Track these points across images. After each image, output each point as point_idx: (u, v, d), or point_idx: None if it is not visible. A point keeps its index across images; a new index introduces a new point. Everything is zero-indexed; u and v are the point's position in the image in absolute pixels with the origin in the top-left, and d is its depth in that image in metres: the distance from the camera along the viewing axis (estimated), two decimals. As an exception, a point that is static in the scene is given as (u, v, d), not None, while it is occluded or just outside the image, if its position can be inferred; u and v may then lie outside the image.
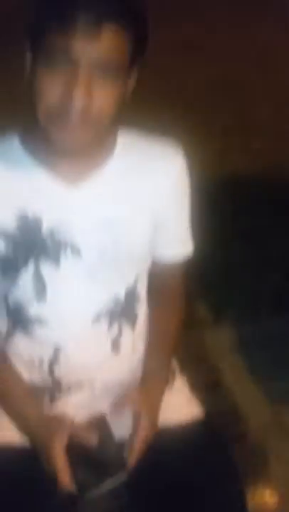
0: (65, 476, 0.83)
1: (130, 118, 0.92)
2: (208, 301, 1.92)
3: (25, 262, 0.86)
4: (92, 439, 0.85)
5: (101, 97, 0.75)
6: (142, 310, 0.98)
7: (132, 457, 0.87)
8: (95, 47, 0.72)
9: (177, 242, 0.98)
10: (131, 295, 0.93)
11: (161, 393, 0.97)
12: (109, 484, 0.83)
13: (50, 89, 0.74)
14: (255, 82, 3.76)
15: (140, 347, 1.00)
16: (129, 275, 0.92)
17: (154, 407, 0.93)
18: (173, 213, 0.94)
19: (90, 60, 0.72)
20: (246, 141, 3.09)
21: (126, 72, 0.78)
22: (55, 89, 0.74)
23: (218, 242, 2.09)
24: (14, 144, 0.86)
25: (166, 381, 0.99)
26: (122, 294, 0.92)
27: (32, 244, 0.85)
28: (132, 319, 0.96)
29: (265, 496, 1.14)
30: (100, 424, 0.90)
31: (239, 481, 0.93)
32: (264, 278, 2.12)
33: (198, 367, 1.23)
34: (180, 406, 1.00)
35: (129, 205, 0.88)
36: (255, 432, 1.23)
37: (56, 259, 0.86)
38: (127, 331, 0.95)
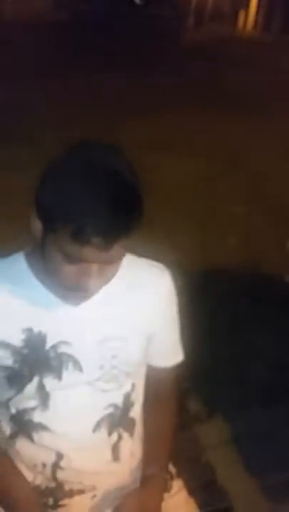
0: None
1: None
2: (200, 396, 1.99)
3: (30, 375, 0.95)
4: None
5: (110, 267, 0.88)
6: (139, 416, 1.06)
7: None
8: (105, 255, 0.82)
9: (169, 352, 1.09)
10: (128, 402, 1.01)
11: (160, 497, 1.02)
12: None
13: (65, 271, 0.85)
14: (227, 178, 4.06)
15: (138, 451, 1.07)
16: (126, 384, 1.00)
17: (157, 507, 0.99)
18: (164, 328, 1.05)
19: (101, 261, 0.84)
20: (222, 236, 3.29)
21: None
22: (70, 272, 0.85)
23: (204, 338, 2.20)
24: (21, 265, 0.96)
25: (164, 484, 1.05)
26: (120, 401, 1.00)
27: (37, 359, 0.94)
28: (130, 425, 1.03)
29: None
30: None
31: None
32: (252, 370, 2.19)
33: (194, 467, 1.28)
34: (178, 509, 1.05)
35: (125, 324, 0.98)
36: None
37: (59, 373, 0.95)
38: (125, 437, 1.02)
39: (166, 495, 1.04)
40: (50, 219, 0.84)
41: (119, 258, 0.88)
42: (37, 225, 0.88)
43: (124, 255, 0.89)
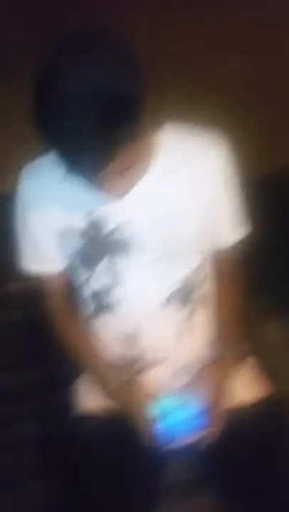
0: (150, 426, 0.96)
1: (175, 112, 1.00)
2: (270, 294, 1.98)
3: (99, 257, 1.00)
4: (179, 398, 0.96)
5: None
6: (211, 290, 1.08)
7: (215, 428, 0.97)
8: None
9: (231, 227, 1.07)
10: (199, 277, 1.04)
11: (233, 370, 1.06)
12: (190, 441, 0.96)
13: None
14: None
15: (211, 327, 1.10)
16: (195, 259, 1.03)
17: (228, 384, 1.03)
18: (222, 201, 1.03)
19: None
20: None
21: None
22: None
23: (273, 241, 2.14)
24: None
25: (236, 359, 1.09)
26: (190, 276, 1.02)
27: (102, 240, 0.99)
28: (202, 299, 1.06)
29: None
30: (187, 390, 1.01)
31: None
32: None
33: (264, 355, 1.30)
34: (248, 385, 1.09)
35: (182, 199, 0.98)
36: None
37: (125, 252, 0.99)
38: (198, 310, 1.05)
39: (238, 372, 1.08)
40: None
41: (142, 155, 0.87)
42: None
43: (147, 149, 0.89)
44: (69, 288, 1.11)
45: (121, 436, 1.00)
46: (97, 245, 0.99)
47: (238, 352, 1.10)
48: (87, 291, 1.05)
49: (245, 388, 1.08)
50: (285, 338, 1.87)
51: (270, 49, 4.10)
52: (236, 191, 1.05)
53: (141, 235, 0.98)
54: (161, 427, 0.96)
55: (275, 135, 3.13)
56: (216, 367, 1.04)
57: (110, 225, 0.98)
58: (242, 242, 1.10)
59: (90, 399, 1.10)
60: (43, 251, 1.03)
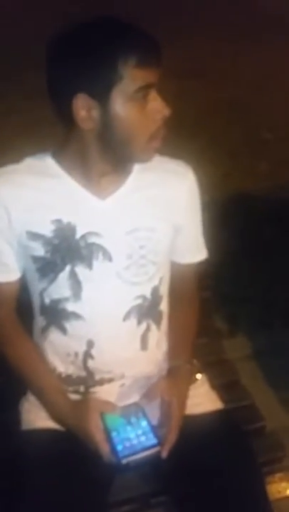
0: (104, 446, 0.93)
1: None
2: (224, 314, 2.03)
3: (63, 264, 0.98)
4: (119, 412, 0.95)
5: None
6: (166, 309, 1.10)
7: (168, 441, 0.95)
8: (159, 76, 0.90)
9: (193, 248, 1.12)
10: (156, 295, 1.05)
11: (187, 385, 1.07)
12: (143, 456, 0.93)
13: (139, 123, 0.90)
14: (259, 105, 3.92)
15: (164, 344, 1.11)
16: (154, 277, 1.04)
17: (182, 397, 1.03)
18: (188, 221, 1.07)
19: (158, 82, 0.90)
20: (252, 163, 3.23)
21: None
22: (145, 120, 0.90)
23: (230, 257, 2.22)
24: (49, 162, 0.98)
25: (190, 374, 1.09)
26: (148, 293, 1.03)
27: (68, 248, 0.97)
28: (158, 317, 1.07)
29: (281, 488, 1.21)
30: (135, 407, 0.99)
31: (258, 467, 1.02)
32: (275, 291, 2.23)
33: (217, 369, 1.32)
34: (202, 398, 1.10)
35: (150, 215, 1.01)
36: (273, 429, 1.32)
37: (89, 262, 0.98)
38: (153, 328, 1.06)
39: (191, 386, 1.09)
40: (113, 69, 0.86)
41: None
42: (87, 112, 0.89)
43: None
44: (20, 299, 1.07)
45: (69, 454, 0.96)
46: (61, 253, 0.98)
47: (191, 368, 1.10)
48: (43, 301, 1.03)
49: (198, 402, 1.08)
50: (244, 355, 1.94)
51: (229, 78, 4.30)
52: (200, 214, 1.10)
53: (106, 247, 0.98)
54: (112, 444, 0.93)
55: (239, 159, 3.27)
56: (169, 382, 1.04)
57: (77, 234, 0.97)
58: (202, 262, 1.14)
59: (36, 417, 1.06)
60: (0, 258, 1.01)
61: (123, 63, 0.85)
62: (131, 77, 0.86)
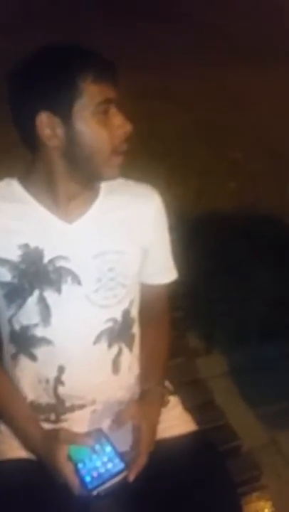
0: (73, 479, 0.92)
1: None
2: (198, 332, 2.04)
3: (31, 289, 0.97)
4: (90, 443, 0.94)
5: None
6: (137, 331, 1.09)
7: (136, 465, 0.95)
8: (115, 92, 0.94)
9: (163, 269, 1.13)
10: (127, 318, 1.05)
11: (158, 408, 1.06)
12: (112, 483, 0.92)
13: (102, 138, 0.92)
14: (228, 125, 4.00)
15: (137, 366, 1.10)
16: (124, 299, 1.04)
17: (152, 421, 1.02)
18: (157, 243, 1.09)
19: (116, 98, 0.94)
20: (222, 182, 3.28)
21: None
22: (107, 135, 0.92)
23: (203, 276, 2.24)
24: (15, 187, 0.99)
25: (161, 397, 1.09)
26: (119, 316, 1.03)
27: (36, 272, 0.97)
28: (129, 340, 1.07)
29: (259, 508, 1.20)
30: (97, 433, 0.98)
31: (234, 489, 1.01)
32: (249, 307, 2.25)
33: (191, 390, 1.32)
34: (175, 421, 1.09)
35: (118, 238, 1.01)
36: (248, 447, 1.32)
37: (58, 286, 0.98)
38: (125, 351, 1.06)
39: (163, 409, 1.08)
40: (72, 86, 0.90)
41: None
42: (51, 130, 0.91)
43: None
44: None
45: (43, 484, 0.95)
46: (29, 278, 0.97)
47: (163, 390, 1.10)
48: (12, 328, 1.02)
49: (171, 425, 1.07)
50: (220, 372, 1.94)
51: (197, 99, 4.40)
52: (168, 235, 1.11)
53: (75, 270, 0.98)
54: (80, 475, 0.92)
55: (208, 179, 3.32)
56: (139, 406, 1.02)
57: (45, 259, 0.97)
58: (174, 282, 1.14)
59: (9, 447, 1.04)
60: None
61: (81, 79, 0.90)
62: (90, 93, 0.90)
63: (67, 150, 0.93)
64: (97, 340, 1.02)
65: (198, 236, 2.49)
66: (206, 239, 2.58)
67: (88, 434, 0.98)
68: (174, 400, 1.14)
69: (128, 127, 0.94)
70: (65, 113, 0.90)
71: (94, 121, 0.91)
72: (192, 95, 4.44)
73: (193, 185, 3.18)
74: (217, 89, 4.61)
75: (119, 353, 1.05)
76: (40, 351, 1.01)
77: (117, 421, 1.00)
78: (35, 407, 1.04)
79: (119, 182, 1.04)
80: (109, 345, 1.03)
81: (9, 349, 1.05)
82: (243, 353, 2.07)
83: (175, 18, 6.74)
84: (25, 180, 0.99)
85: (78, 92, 0.90)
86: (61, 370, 1.01)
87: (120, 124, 0.94)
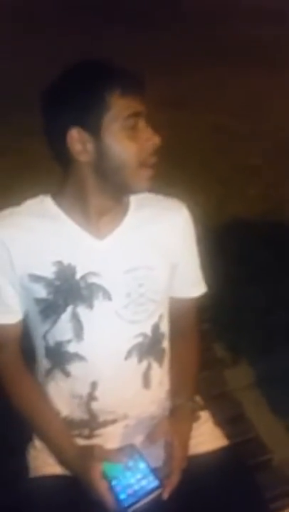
0: (108, 497, 0.92)
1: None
2: (225, 343, 2.03)
3: (65, 305, 0.99)
4: (123, 460, 0.94)
5: None
6: (167, 346, 1.10)
7: (170, 483, 0.95)
8: (143, 106, 0.96)
9: (192, 283, 1.13)
10: (156, 332, 1.05)
11: (190, 424, 1.06)
12: (147, 500, 0.92)
13: (131, 151, 0.93)
14: (246, 131, 3.99)
15: (167, 381, 1.10)
16: (154, 314, 1.04)
17: (184, 437, 1.02)
18: (186, 258, 1.09)
19: (144, 111, 0.96)
20: (243, 189, 3.26)
21: None
22: (136, 147, 0.94)
23: (228, 286, 2.22)
24: (49, 204, 1.01)
25: (192, 412, 1.08)
26: (148, 331, 1.04)
27: (69, 289, 0.98)
28: (159, 354, 1.07)
29: None
30: (130, 449, 0.98)
31: (265, 504, 1.01)
32: (275, 315, 2.22)
33: (220, 403, 1.31)
34: (206, 436, 1.09)
35: (148, 253, 1.02)
36: (280, 461, 1.30)
37: (90, 302, 0.99)
38: (155, 365, 1.06)
39: (194, 424, 1.08)
40: (100, 100, 0.92)
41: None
42: (82, 145, 0.94)
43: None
44: (23, 341, 1.07)
45: (78, 500, 0.95)
46: (63, 294, 0.99)
47: (194, 405, 1.09)
48: (47, 344, 1.03)
49: (202, 441, 1.07)
50: (247, 383, 1.92)
51: (214, 106, 4.38)
52: (196, 249, 1.12)
53: (106, 286, 0.99)
54: (115, 493, 0.92)
55: (229, 186, 3.31)
56: (171, 422, 1.02)
57: (77, 275, 0.98)
58: (202, 296, 1.15)
59: (43, 463, 1.05)
60: (3, 300, 1.02)
61: (109, 94, 0.92)
62: (118, 107, 0.92)
63: (98, 164, 0.94)
64: (128, 355, 1.02)
65: (221, 244, 2.48)
66: (229, 247, 2.57)
67: (121, 450, 0.99)
68: (204, 415, 1.14)
69: (157, 140, 0.95)
70: (94, 128, 0.92)
71: (123, 134, 0.93)
72: (210, 102, 4.44)
73: (214, 192, 3.18)
74: (234, 96, 4.60)
75: (149, 367, 1.06)
76: (73, 367, 1.02)
77: (150, 438, 1.00)
78: (69, 423, 1.05)
79: (148, 196, 1.05)
80: (139, 360, 1.04)
81: (44, 364, 1.06)
82: (270, 362, 2.04)
83: (189, 26, 6.76)
84: (59, 197, 1.01)
85: (106, 106, 0.91)
86: (94, 385, 1.02)
87: (149, 137, 0.95)
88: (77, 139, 0.93)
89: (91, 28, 6.47)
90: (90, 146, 0.93)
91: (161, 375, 1.08)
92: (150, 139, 0.95)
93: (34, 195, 1.04)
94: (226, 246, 2.54)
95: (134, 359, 1.03)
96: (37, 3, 7.56)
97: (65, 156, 0.95)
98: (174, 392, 1.10)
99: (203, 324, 1.44)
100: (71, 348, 1.01)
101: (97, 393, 1.02)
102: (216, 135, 3.93)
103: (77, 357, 1.01)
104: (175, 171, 3.11)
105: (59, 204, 1.01)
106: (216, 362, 1.58)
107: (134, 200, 1.05)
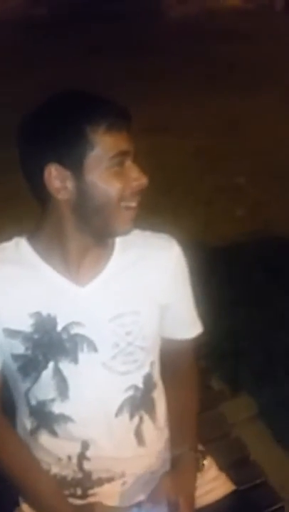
0: None
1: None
2: (222, 375, 1.93)
3: (45, 362, 0.90)
4: None
5: None
6: (160, 396, 1.01)
7: None
8: (131, 144, 0.88)
9: (187, 323, 1.04)
10: (148, 383, 0.97)
11: (194, 476, 0.98)
12: None
13: (115, 191, 0.86)
14: (228, 151, 3.98)
15: (163, 432, 1.02)
16: (145, 363, 0.96)
17: (189, 492, 0.94)
18: (178, 298, 1.00)
19: (132, 151, 0.88)
20: (229, 209, 3.22)
21: None
22: (121, 186, 0.86)
23: (220, 309, 2.14)
24: (24, 247, 0.92)
25: (196, 462, 1.00)
26: (140, 383, 0.95)
27: (49, 342, 0.90)
28: (150, 406, 0.98)
29: None
30: (134, 508, 0.91)
31: None
32: (273, 340, 2.14)
33: (224, 445, 1.23)
34: (212, 484, 1.01)
35: (134, 297, 0.94)
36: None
37: (74, 356, 0.91)
38: (146, 418, 0.98)
39: (198, 474, 1.00)
40: (82, 138, 0.84)
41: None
42: (61, 183, 0.86)
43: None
44: (5, 401, 0.99)
45: None
46: (42, 349, 0.90)
47: (196, 454, 1.02)
48: (30, 403, 0.94)
49: (208, 489, 1.00)
50: (249, 415, 1.82)
51: (194, 128, 4.40)
52: (190, 290, 1.03)
53: (90, 336, 0.91)
54: None
55: (215, 207, 3.27)
56: (174, 478, 0.95)
57: (58, 326, 0.90)
58: (197, 338, 1.06)
59: None
60: None
61: (92, 130, 0.83)
62: (103, 145, 0.84)
63: (78, 203, 0.86)
64: (119, 411, 0.94)
65: (211, 268, 2.41)
66: (219, 270, 2.49)
67: (126, 508, 0.91)
68: (207, 461, 1.06)
69: (144, 180, 0.88)
70: (75, 166, 0.84)
71: (107, 174, 0.85)
72: (190, 125, 4.45)
73: (200, 214, 3.13)
74: (215, 118, 4.61)
75: (141, 422, 0.97)
76: (59, 428, 0.93)
77: (152, 498, 0.91)
78: (60, 481, 0.96)
79: (135, 234, 0.97)
80: (131, 416, 0.95)
81: (28, 423, 0.97)
82: (272, 389, 1.94)
83: (168, 50, 6.85)
84: (35, 239, 0.93)
85: (89, 144, 0.83)
86: (85, 445, 0.93)
87: (136, 177, 0.87)
88: (55, 176, 0.85)
89: (68, 57, 6.53)
90: (69, 184, 0.85)
91: (153, 427, 1.00)
92: (137, 179, 0.87)
93: (11, 232, 0.95)
94: (215, 269, 2.47)
95: (125, 415, 0.95)
96: (13, 40, 7.63)
97: (42, 193, 0.87)
98: (174, 441, 1.01)
99: (199, 361, 1.35)
100: (55, 408, 0.92)
101: (89, 453, 0.94)
102: (199, 157, 3.91)
103: (63, 418, 0.92)
104: (160, 197, 3.06)
105: (35, 247, 0.92)
106: (215, 398, 1.49)
107: (119, 241, 0.96)
